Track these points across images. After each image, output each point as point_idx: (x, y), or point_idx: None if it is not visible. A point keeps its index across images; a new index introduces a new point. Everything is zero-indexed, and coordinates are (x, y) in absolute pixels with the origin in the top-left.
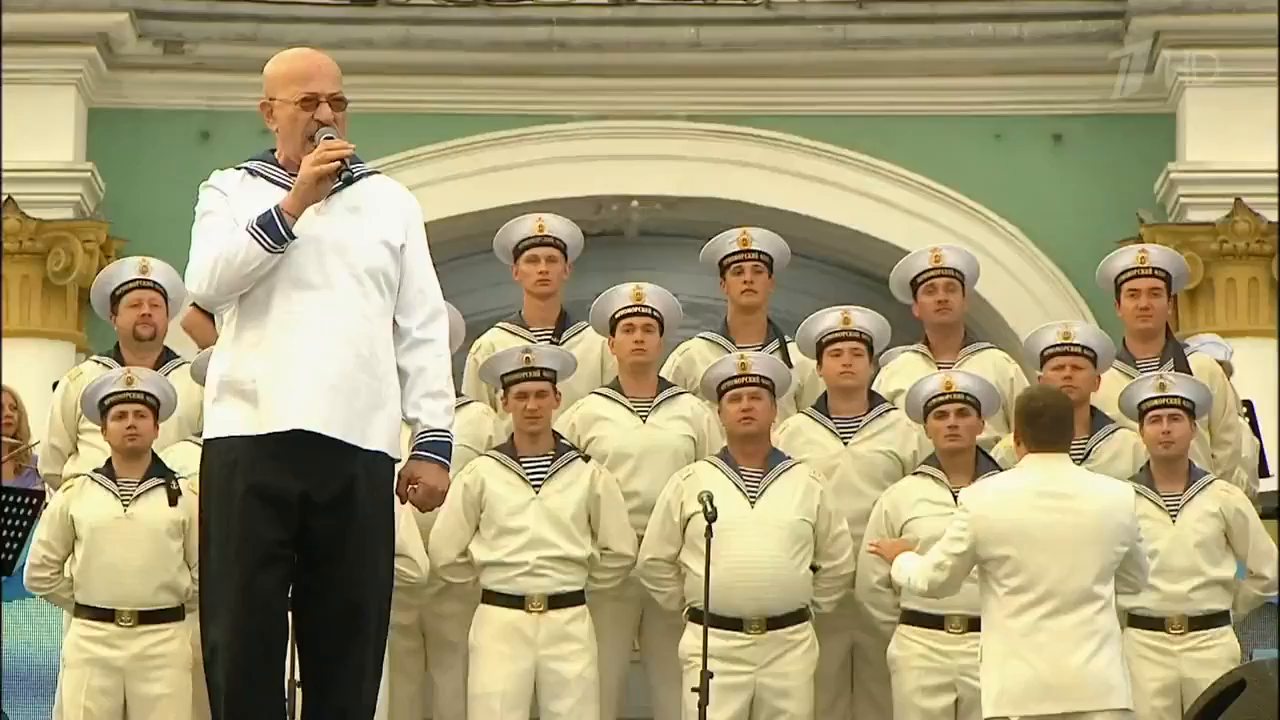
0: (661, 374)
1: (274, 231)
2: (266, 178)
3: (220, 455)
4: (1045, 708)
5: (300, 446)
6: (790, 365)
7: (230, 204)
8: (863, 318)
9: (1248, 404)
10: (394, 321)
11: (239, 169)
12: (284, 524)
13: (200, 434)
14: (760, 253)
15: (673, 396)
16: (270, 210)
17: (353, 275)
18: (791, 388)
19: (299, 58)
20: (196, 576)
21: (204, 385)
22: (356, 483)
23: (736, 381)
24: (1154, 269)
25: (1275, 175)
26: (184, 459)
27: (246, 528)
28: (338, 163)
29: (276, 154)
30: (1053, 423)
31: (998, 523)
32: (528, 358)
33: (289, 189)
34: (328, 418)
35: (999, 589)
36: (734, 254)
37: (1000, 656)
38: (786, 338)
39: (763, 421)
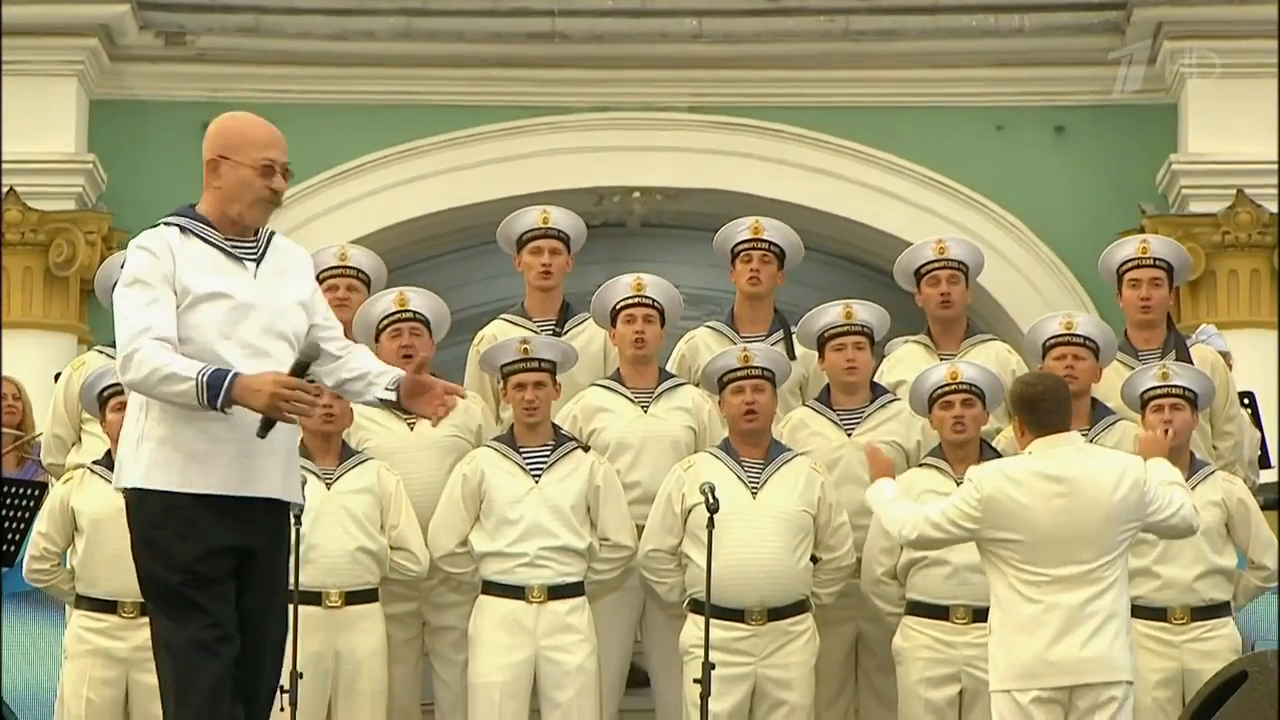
0: (667, 363)
1: (214, 398)
2: (200, 237)
3: (164, 506)
4: (1048, 682)
5: (245, 506)
6: (794, 356)
7: (163, 265)
8: (865, 311)
9: (1249, 395)
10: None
11: (169, 225)
12: (228, 572)
13: None
14: (770, 243)
15: (674, 387)
16: (226, 380)
17: (283, 338)
18: (794, 378)
19: (257, 124)
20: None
21: None
22: (282, 532)
23: (739, 374)
24: (1155, 259)
25: (1276, 167)
26: None
27: (198, 578)
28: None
29: (199, 208)
30: (1054, 406)
31: (1006, 504)
32: (525, 348)
33: (221, 249)
34: (281, 482)
35: (1006, 569)
36: (744, 242)
37: (1008, 633)
38: (792, 328)
39: (765, 415)
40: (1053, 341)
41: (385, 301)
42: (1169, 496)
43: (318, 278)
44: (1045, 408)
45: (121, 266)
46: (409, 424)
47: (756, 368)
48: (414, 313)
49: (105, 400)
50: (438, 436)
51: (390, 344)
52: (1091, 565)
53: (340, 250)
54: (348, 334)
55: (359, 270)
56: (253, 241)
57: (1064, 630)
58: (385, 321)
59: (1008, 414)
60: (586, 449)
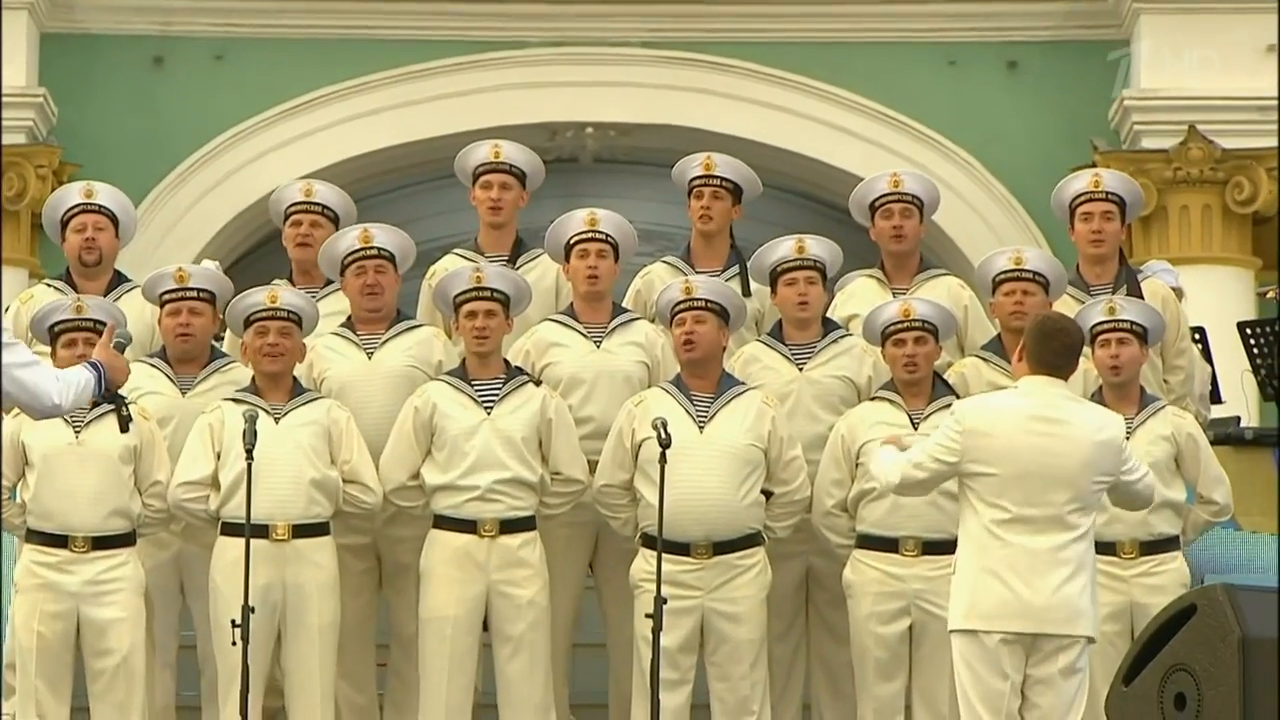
0: (624, 300)
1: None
2: None
3: None
4: (1012, 626)
5: None
6: (749, 292)
7: None
8: (817, 246)
9: (1200, 331)
10: None
11: None
12: None
13: (152, 355)
14: (722, 179)
15: (627, 323)
16: (100, 373)
17: None
18: (750, 314)
19: None
20: (145, 503)
21: (155, 305)
22: None
23: (682, 305)
24: (1107, 193)
25: (1277, 103)
26: (135, 381)
27: None
28: None
29: None
30: (1062, 349)
31: (986, 439)
32: (479, 276)
33: None
34: None
35: (978, 504)
36: (697, 178)
37: (973, 572)
38: (748, 263)
39: (705, 345)
40: (1002, 277)
41: (349, 238)
42: (1138, 461)
43: (285, 214)
44: (1051, 346)
45: None
46: (367, 353)
47: (699, 299)
48: (378, 249)
49: (56, 336)
50: (396, 367)
51: (355, 281)
52: (1064, 510)
53: (305, 185)
54: (313, 270)
55: (324, 206)
56: None
57: (1033, 575)
58: (349, 258)
59: (959, 348)
60: (538, 383)
